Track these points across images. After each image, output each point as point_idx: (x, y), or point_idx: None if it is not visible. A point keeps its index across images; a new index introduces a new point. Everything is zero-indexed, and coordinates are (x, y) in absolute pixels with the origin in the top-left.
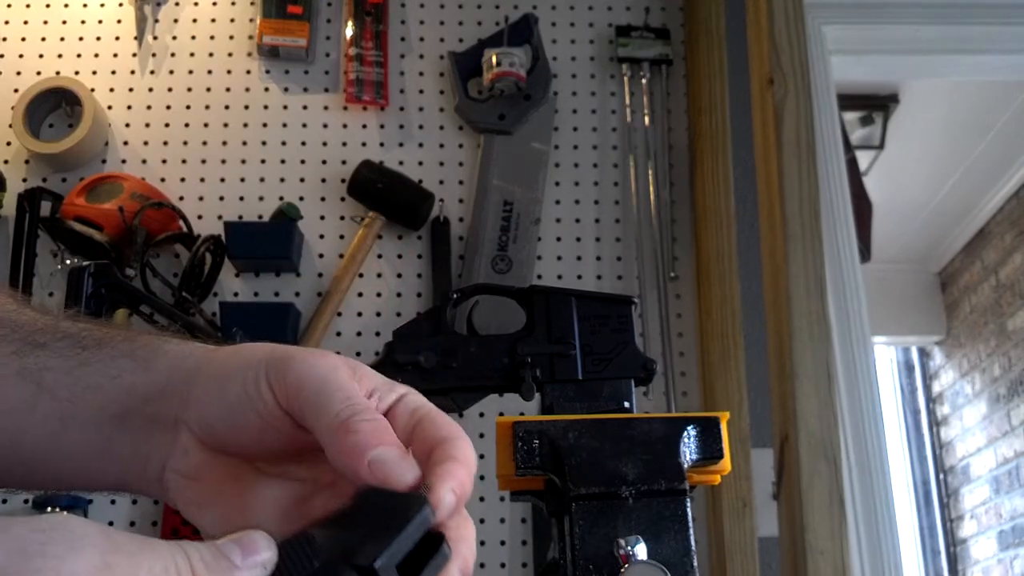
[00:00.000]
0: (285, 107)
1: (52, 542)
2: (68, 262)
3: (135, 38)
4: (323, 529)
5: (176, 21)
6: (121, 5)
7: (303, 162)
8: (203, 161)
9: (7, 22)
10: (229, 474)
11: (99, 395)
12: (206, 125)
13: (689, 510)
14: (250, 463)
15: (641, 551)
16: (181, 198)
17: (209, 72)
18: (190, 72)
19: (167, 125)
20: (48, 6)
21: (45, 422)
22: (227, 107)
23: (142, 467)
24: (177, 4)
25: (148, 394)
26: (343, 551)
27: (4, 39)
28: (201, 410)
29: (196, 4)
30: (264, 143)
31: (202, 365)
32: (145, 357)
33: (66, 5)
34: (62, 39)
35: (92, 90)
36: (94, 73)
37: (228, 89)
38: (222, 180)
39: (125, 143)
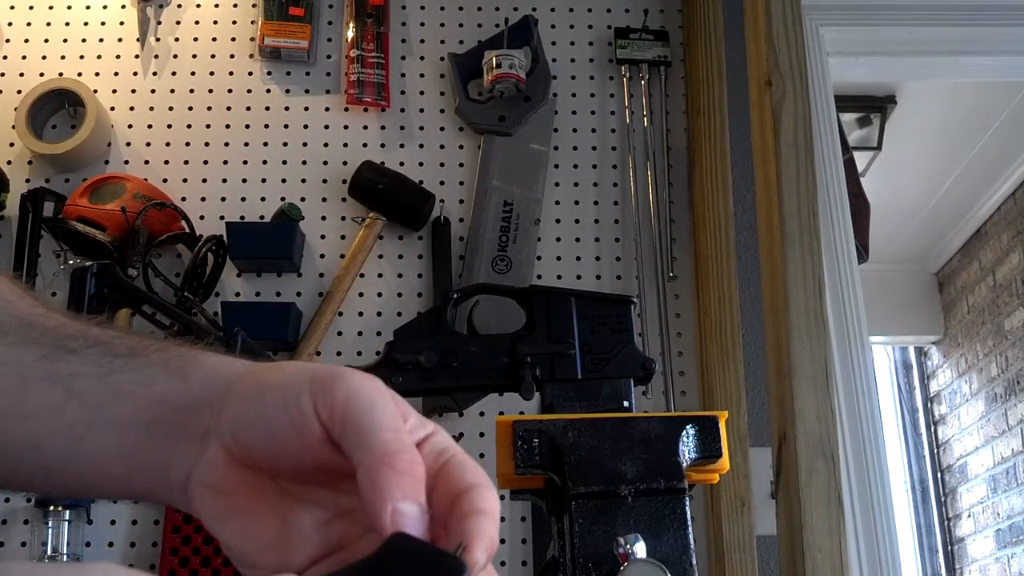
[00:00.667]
0: (287, 108)
1: None
2: (71, 262)
3: (137, 40)
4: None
5: (178, 23)
6: (124, 7)
7: (304, 163)
8: (205, 162)
9: (10, 23)
10: (254, 490)
11: (129, 402)
12: (208, 126)
13: (688, 509)
14: (275, 482)
15: (640, 549)
16: (183, 198)
17: (211, 74)
18: (192, 73)
19: (169, 126)
20: (51, 8)
21: (72, 427)
22: (229, 108)
23: (166, 476)
24: (179, 6)
25: (180, 404)
26: None
27: (7, 40)
28: (235, 421)
29: (198, 6)
30: (266, 144)
31: (241, 377)
32: (180, 367)
33: (69, 7)
34: (65, 40)
35: (95, 91)
36: (97, 74)
37: (230, 90)
38: (224, 181)
39: (128, 144)
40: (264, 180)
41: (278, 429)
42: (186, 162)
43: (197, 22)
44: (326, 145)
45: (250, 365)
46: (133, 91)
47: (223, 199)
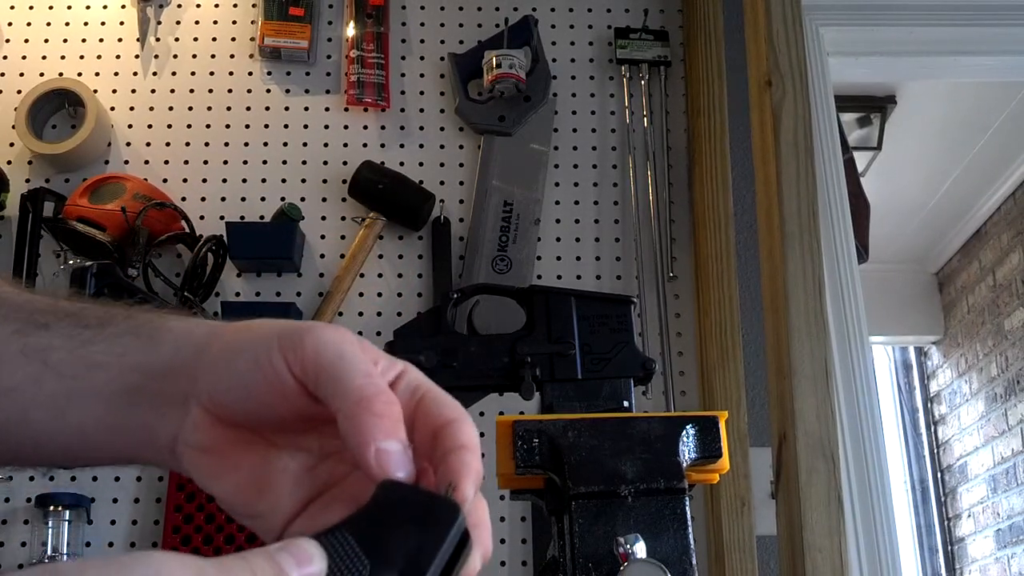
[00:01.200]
0: (287, 108)
1: None
2: (71, 262)
3: (137, 40)
4: (357, 529)
5: (178, 23)
6: (124, 7)
7: (304, 163)
8: (205, 162)
9: (10, 23)
10: (240, 445)
11: (104, 373)
12: (208, 126)
13: (688, 509)
14: (260, 435)
15: (640, 549)
16: (183, 199)
17: (211, 74)
18: (192, 74)
19: (169, 126)
20: (51, 8)
21: (52, 400)
22: (229, 108)
23: (153, 440)
24: (179, 6)
25: (154, 371)
26: (389, 561)
27: (7, 40)
28: (211, 383)
29: (198, 6)
30: (266, 144)
31: (211, 339)
32: (149, 334)
33: (69, 7)
34: (65, 41)
35: (95, 91)
36: (97, 74)
37: (230, 90)
38: (224, 181)
39: (128, 144)
40: (264, 180)
41: (254, 388)
42: (186, 162)
43: (197, 22)
44: (326, 145)
45: (216, 326)
46: (133, 91)
47: (223, 199)
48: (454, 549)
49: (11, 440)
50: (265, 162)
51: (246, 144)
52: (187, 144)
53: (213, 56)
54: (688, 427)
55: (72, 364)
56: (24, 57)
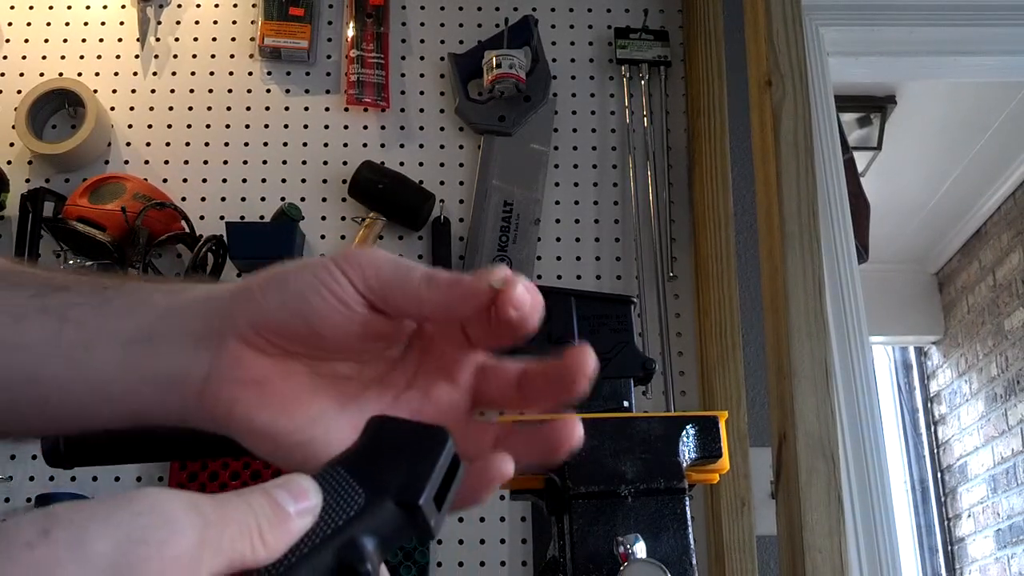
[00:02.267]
0: (287, 108)
1: (152, 527)
2: (71, 262)
3: (137, 40)
4: (351, 463)
5: (178, 23)
6: (124, 7)
7: (304, 163)
8: (205, 162)
9: (10, 23)
10: (284, 375)
11: (128, 319)
12: (208, 126)
13: (688, 509)
14: (304, 363)
15: (640, 549)
16: (183, 199)
17: (211, 74)
18: (192, 74)
19: (169, 126)
20: (51, 8)
21: (70, 351)
22: (229, 108)
23: (180, 383)
24: (179, 6)
25: (182, 314)
26: (383, 489)
27: (7, 40)
28: (255, 312)
29: (198, 6)
30: (266, 144)
31: (246, 281)
32: (172, 289)
33: (69, 7)
34: (65, 41)
35: (95, 91)
36: (97, 74)
37: (230, 90)
38: (224, 181)
39: (128, 144)
40: (264, 180)
41: (315, 306)
42: (186, 162)
43: (197, 22)
44: (326, 145)
45: (244, 278)
46: (133, 91)
47: (223, 199)
48: (446, 473)
49: (20, 401)
50: (265, 162)
51: (246, 144)
52: (187, 144)
53: (213, 56)
54: (688, 427)
55: (95, 316)
56: (24, 57)
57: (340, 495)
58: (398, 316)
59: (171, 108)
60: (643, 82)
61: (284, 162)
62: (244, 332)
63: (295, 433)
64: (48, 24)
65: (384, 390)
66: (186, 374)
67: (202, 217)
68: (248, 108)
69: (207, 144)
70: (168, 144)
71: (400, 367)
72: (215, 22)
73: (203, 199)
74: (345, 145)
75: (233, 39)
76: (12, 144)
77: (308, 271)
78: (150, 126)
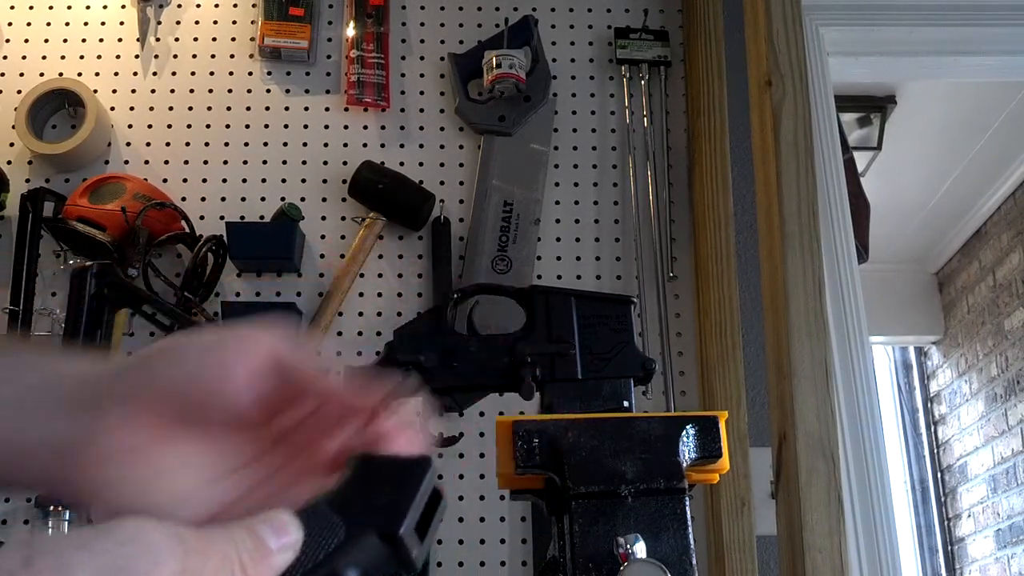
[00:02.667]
0: (287, 108)
1: (135, 556)
2: (71, 262)
3: (137, 40)
4: (332, 499)
5: (178, 23)
6: (124, 7)
7: (304, 163)
8: (205, 162)
9: (10, 23)
10: (174, 441)
11: (8, 385)
12: (208, 126)
13: (688, 509)
14: (189, 430)
15: (640, 549)
16: (183, 198)
17: (211, 74)
18: (192, 74)
19: (169, 126)
20: (51, 8)
21: None
22: (229, 108)
23: (56, 453)
24: (179, 6)
25: (68, 380)
26: (364, 521)
27: (7, 40)
28: (152, 379)
29: (198, 6)
30: (266, 144)
31: (144, 352)
32: (57, 358)
33: (69, 7)
34: (65, 41)
35: (95, 91)
36: (97, 74)
37: (230, 90)
38: (224, 181)
39: (128, 144)
40: (264, 180)
41: (225, 371)
42: (186, 162)
43: (197, 22)
44: (326, 145)
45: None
46: (133, 91)
47: (223, 199)
48: (427, 504)
49: None
50: (265, 162)
51: (246, 144)
52: (187, 144)
53: (213, 56)
54: (688, 427)
55: None
56: (24, 57)
57: (321, 529)
58: (289, 395)
59: (171, 108)
60: (643, 82)
61: (284, 162)
62: (136, 399)
63: (158, 494)
64: (48, 24)
65: (256, 470)
66: (67, 443)
67: (202, 217)
68: (248, 108)
69: (207, 144)
70: (168, 144)
71: (272, 454)
72: (215, 22)
73: (203, 199)
74: (345, 145)
75: (233, 39)
76: (12, 144)
77: (227, 339)
78: (150, 126)
